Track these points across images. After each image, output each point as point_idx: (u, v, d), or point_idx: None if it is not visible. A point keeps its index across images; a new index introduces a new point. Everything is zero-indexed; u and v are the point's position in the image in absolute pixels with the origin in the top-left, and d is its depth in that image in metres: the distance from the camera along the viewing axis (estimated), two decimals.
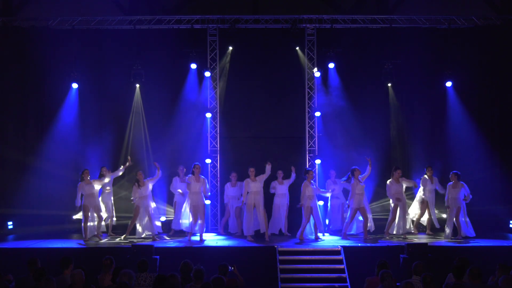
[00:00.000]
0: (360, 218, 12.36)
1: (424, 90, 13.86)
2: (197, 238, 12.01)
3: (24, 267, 8.22)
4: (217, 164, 13.78)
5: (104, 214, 12.50)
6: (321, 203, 13.04)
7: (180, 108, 13.74)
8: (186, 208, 12.11)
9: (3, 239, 12.41)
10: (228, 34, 13.74)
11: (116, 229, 12.94)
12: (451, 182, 12.07)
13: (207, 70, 13.73)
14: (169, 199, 13.44)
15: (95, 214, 12.23)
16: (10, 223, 13.22)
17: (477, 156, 13.58)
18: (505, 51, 13.74)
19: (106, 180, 12.51)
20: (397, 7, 14.84)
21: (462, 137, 13.65)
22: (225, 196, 13.01)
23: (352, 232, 12.64)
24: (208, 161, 13.66)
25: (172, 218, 13.00)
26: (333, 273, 10.46)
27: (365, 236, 12.08)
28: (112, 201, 12.88)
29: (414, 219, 12.84)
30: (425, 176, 12.65)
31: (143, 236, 12.28)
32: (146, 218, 12.26)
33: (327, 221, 13.01)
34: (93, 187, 12.17)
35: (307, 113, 13.93)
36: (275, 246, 11.05)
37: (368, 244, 11.40)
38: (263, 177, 12.11)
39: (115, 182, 13.18)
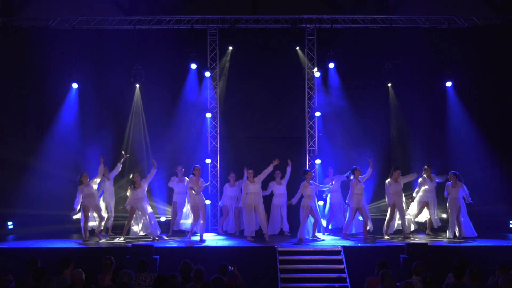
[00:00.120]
0: (360, 218, 12.36)
1: (424, 90, 13.86)
2: (197, 238, 12.02)
3: (24, 267, 8.22)
4: (217, 164, 13.79)
5: (105, 214, 12.52)
6: (321, 203, 13.05)
7: (180, 108, 13.74)
8: (187, 208, 12.14)
9: (3, 239, 12.42)
10: (228, 34, 13.74)
11: (116, 229, 12.93)
12: (450, 182, 12.08)
13: (207, 70, 13.73)
14: (169, 199, 13.42)
15: (95, 214, 12.24)
16: (10, 223, 13.21)
17: (477, 156, 13.57)
18: (505, 51, 13.74)
19: (97, 180, 12.46)
20: (397, 7, 14.84)
21: (462, 137, 13.64)
22: (224, 196, 13.02)
23: (352, 232, 12.63)
24: (208, 161, 13.66)
25: (171, 218, 13.01)
26: (333, 273, 10.47)
27: (365, 236, 12.08)
28: (114, 201, 12.87)
29: (414, 219, 12.85)
30: (424, 176, 12.65)
31: (141, 235, 12.28)
32: (143, 219, 12.25)
33: (324, 223, 12.96)
34: (92, 187, 12.19)
35: (307, 113, 13.93)
36: (275, 246, 11.05)
37: (368, 244, 11.41)
38: (261, 177, 12.10)
39: (115, 182, 13.17)
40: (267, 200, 12.65)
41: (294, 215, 12.71)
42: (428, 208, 12.66)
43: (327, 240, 12.07)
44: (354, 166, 12.29)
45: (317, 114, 13.83)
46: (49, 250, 10.95)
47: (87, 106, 13.72)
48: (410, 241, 11.61)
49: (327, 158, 13.68)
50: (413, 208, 12.83)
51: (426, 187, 12.61)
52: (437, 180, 12.65)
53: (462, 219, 12.06)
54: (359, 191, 12.09)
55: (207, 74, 13.75)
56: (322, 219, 12.76)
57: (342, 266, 10.57)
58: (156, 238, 12.08)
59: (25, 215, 13.24)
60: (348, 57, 13.81)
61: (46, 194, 13.40)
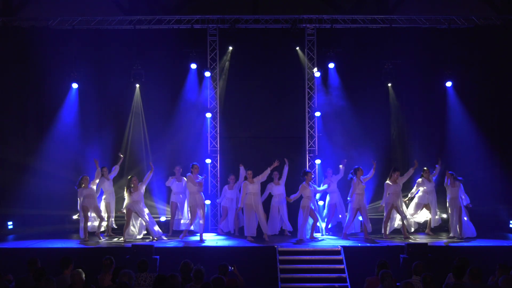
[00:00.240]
0: (360, 218, 12.35)
1: (424, 90, 13.86)
2: (197, 238, 12.02)
3: (24, 267, 8.22)
4: (217, 164, 13.79)
5: (105, 215, 12.51)
6: (321, 203, 13.04)
7: (180, 108, 13.74)
8: (187, 208, 12.16)
9: (3, 239, 12.41)
10: (228, 34, 13.74)
11: (115, 229, 12.93)
12: (449, 183, 12.06)
13: (207, 70, 13.73)
14: (169, 199, 13.41)
15: (95, 215, 12.24)
16: (10, 223, 13.21)
17: (477, 156, 13.57)
18: (505, 51, 13.74)
19: (96, 181, 12.46)
20: (397, 7, 14.84)
21: (462, 137, 13.64)
22: (223, 197, 13.01)
23: (352, 231, 12.63)
24: (208, 161, 13.66)
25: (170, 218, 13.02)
26: (333, 273, 10.46)
27: (365, 236, 12.08)
28: (115, 201, 12.86)
29: (412, 219, 12.85)
30: (423, 176, 12.64)
31: (139, 237, 12.28)
32: (140, 220, 12.24)
33: (323, 224, 12.93)
34: (91, 188, 12.20)
35: (307, 113, 13.93)
36: (275, 246, 11.05)
37: (368, 244, 11.40)
38: (260, 178, 12.10)
39: (115, 182, 13.18)
40: (267, 200, 12.64)
41: (294, 215, 12.70)
42: (428, 209, 12.65)
43: (327, 240, 12.07)
44: (356, 166, 12.27)
45: (317, 114, 13.83)
46: (49, 250, 10.95)
47: (87, 106, 13.73)
48: (410, 241, 11.61)
49: (327, 158, 13.68)
50: (411, 209, 12.81)
51: (425, 188, 12.61)
52: (434, 178, 12.65)
53: (465, 218, 12.04)
54: (360, 191, 12.09)
55: (207, 74, 13.75)
56: (321, 221, 12.72)
57: (342, 266, 10.56)
58: (155, 238, 12.09)
59: (25, 215, 13.28)
60: (348, 57, 13.81)
61: (46, 194, 13.40)
